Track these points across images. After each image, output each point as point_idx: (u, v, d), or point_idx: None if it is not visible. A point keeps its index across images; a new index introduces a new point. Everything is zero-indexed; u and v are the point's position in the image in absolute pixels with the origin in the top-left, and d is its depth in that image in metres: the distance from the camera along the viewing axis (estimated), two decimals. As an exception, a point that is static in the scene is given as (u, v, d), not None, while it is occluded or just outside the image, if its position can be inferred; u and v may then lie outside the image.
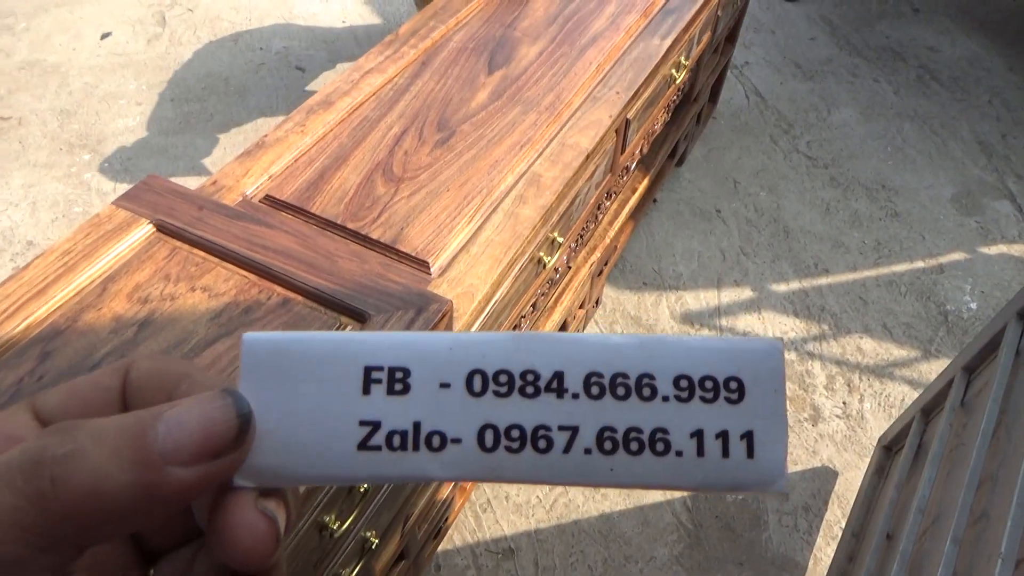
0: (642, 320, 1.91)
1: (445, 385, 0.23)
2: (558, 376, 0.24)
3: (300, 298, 0.92)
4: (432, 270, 1.06)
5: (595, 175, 1.36)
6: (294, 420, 0.23)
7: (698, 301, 1.96)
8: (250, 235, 0.99)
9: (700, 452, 0.23)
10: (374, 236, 1.09)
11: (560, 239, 1.26)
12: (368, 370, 0.23)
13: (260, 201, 1.14)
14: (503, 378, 0.23)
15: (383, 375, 0.23)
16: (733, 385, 0.24)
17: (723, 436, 0.24)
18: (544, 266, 1.24)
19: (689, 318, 1.92)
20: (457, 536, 1.52)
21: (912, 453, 1.37)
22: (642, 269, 2.03)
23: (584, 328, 1.84)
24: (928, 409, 1.41)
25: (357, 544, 0.96)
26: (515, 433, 0.23)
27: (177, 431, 0.20)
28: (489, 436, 0.23)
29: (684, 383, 0.24)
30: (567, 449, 0.23)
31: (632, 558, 1.51)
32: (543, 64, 1.42)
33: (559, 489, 1.59)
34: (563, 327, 1.64)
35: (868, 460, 1.65)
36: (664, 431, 0.23)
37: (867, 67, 2.75)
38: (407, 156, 1.22)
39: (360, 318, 0.90)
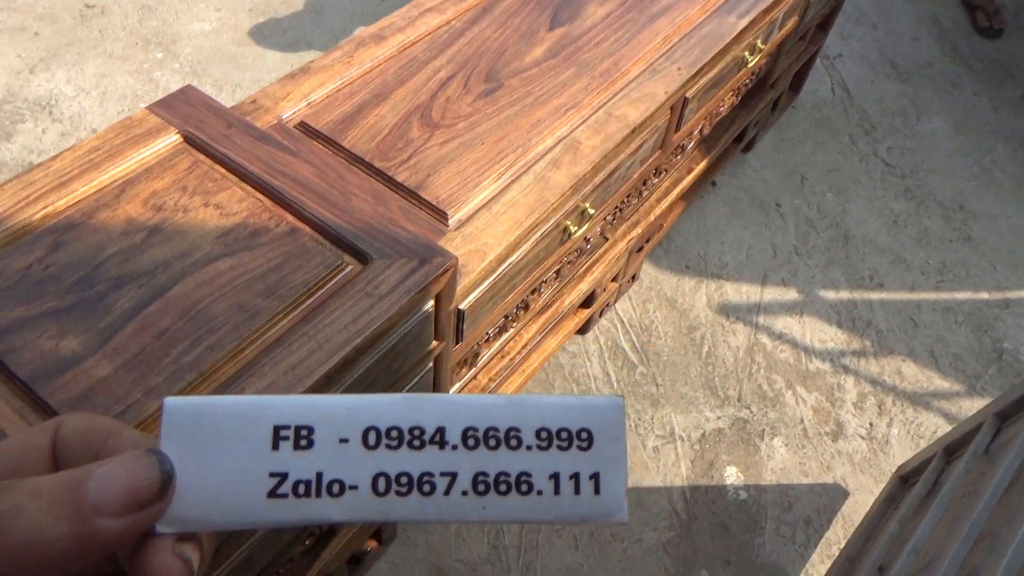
0: (677, 303, 1.86)
1: (344, 440, 0.27)
2: (440, 431, 0.28)
3: (308, 230, 0.92)
4: (450, 222, 1.04)
5: (641, 150, 1.31)
6: (210, 472, 0.26)
7: (739, 294, 1.90)
8: (273, 160, 0.98)
9: (556, 491, 0.28)
10: (399, 179, 1.08)
11: (592, 210, 1.22)
12: (277, 428, 0.27)
13: (294, 127, 1.14)
14: (394, 433, 0.27)
15: (290, 432, 0.27)
16: (584, 435, 0.28)
17: (575, 477, 0.28)
18: (570, 236, 1.21)
19: (726, 309, 1.86)
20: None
21: (925, 490, 1.31)
22: (687, 252, 1.97)
23: (615, 301, 1.81)
24: (952, 448, 1.34)
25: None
26: (404, 479, 0.27)
27: (106, 487, 0.23)
28: (381, 483, 0.27)
29: (544, 434, 0.28)
30: (447, 491, 0.27)
31: (618, 536, 1.50)
32: (607, 27, 1.36)
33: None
34: (591, 298, 1.61)
35: (882, 486, 1.59)
36: (527, 474, 0.28)
37: (969, 77, 2.57)
38: (448, 103, 1.19)
39: (362, 259, 0.89)
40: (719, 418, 1.67)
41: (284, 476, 0.26)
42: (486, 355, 1.33)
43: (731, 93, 1.65)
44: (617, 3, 1.42)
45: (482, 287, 1.05)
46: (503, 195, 1.09)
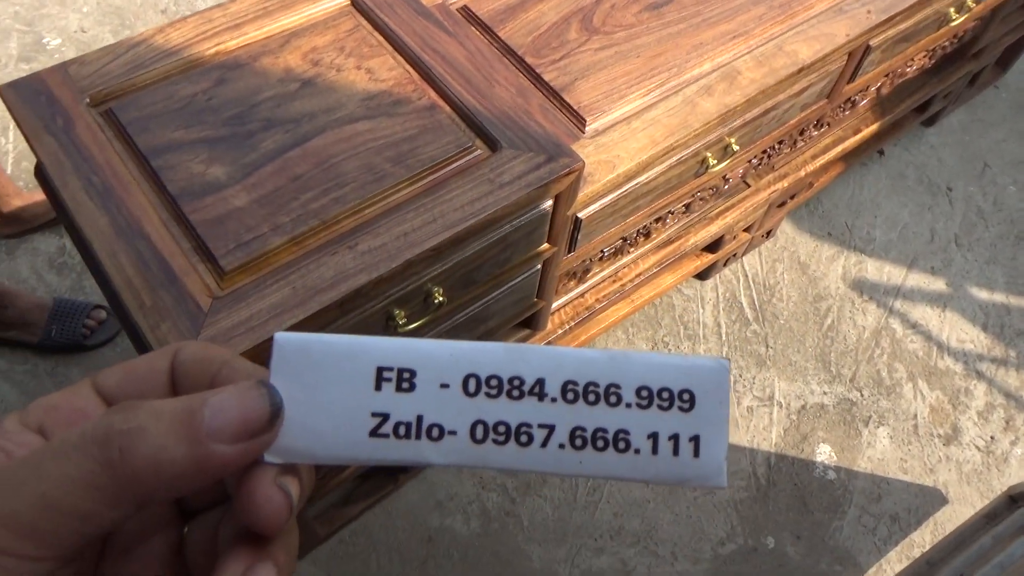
0: (809, 269, 1.77)
1: (445, 385, 0.27)
2: (540, 382, 0.28)
3: (447, 108, 0.94)
4: (586, 129, 1.03)
5: (805, 94, 1.23)
6: (316, 408, 0.27)
7: (879, 273, 1.78)
8: (429, 36, 1.00)
9: (655, 451, 0.28)
10: (546, 77, 1.07)
11: (736, 147, 1.17)
12: (380, 370, 0.27)
13: (457, 9, 1.14)
14: (494, 382, 0.28)
15: (393, 375, 0.27)
16: (686, 396, 0.28)
17: (674, 438, 0.28)
18: (707, 169, 1.17)
19: (860, 286, 1.75)
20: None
21: (1032, 514, 1.22)
22: (834, 218, 1.86)
23: (744, 253, 1.75)
24: (1076, 478, 1.22)
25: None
26: (501, 428, 0.27)
27: (220, 414, 0.24)
28: (480, 430, 0.27)
29: (645, 392, 0.28)
30: (544, 444, 0.27)
31: (691, 484, 1.49)
32: (801, -45, 1.26)
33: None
34: (718, 243, 1.56)
35: (987, 502, 1.49)
36: (626, 432, 0.28)
37: None
38: (613, 9, 1.16)
39: (492, 145, 0.90)
40: (825, 393, 1.60)
41: (386, 416, 0.27)
42: (598, 275, 1.32)
43: (923, 53, 1.50)
44: (817, -68, 1.31)
45: (604, 200, 1.04)
46: (646, 112, 1.06)
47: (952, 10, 1.37)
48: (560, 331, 1.33)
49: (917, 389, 1.62)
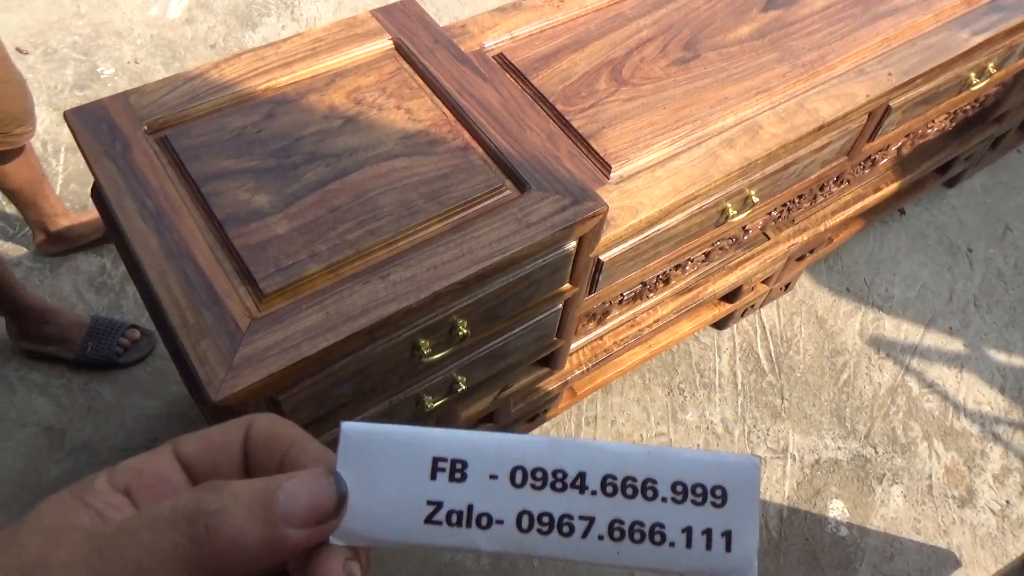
0: (827, 324, 1.78)
1: (493, 476, 0.29)
2: (581, 476, 0.29)
3: (480, 150, 0.98)
4: (612, 175, 1.08)
5: (825, 151, 1.27)
6: (377, 494, 0.29)
7: (897, 331, 1.79)
8: (466, 80, 1.06)
9: (688, 544, 0.29)
10: (575, 124, 1.12)
11: (756, 199, 1.21)
12: (435, 460, 0.29)
13: (493, 56, 1.21)
14: (539, 474, 0.29)
15: (446, 465, 0.29)
16: (718, 492, 0.29)
17: (707, 533, 0.29)
18: (727, 219, 1.21)
19: (877, 343, 1.76)
20: (554, 433, 1.59)
21: (1045, 578, 1.21)
22: (853, 274, 1.88)
23: (762, 305, 1.77)
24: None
25: (446, 380, 1.06)
26: (545, 519, 0.29)
27: (293, 500, 0.26)
28: (525, 520, 0.29)
29: (680, 488, 0.29)
30: (585, 534, 0.29)
31: (701, 531, 1.50)
32: (825, 19, 1.32)
33: (661, 433, 1.59)
34: (736, 293, 1.59)
35: (1001, 567, 1.47)
36: (661, 526, 0.29)
37: None
38: (642, 63, 1.21)
39: (521, 187, 0.95)
40: (839, 449, 1.61)
41: (439, 505, 0.29)
42: (617, 318, 1.36)
43: (944, 116, 1.54)
44: (842, -2, 1.36)
45: (626, 244, 1.08)
46: (670, 162, 1.10)
47: (973, 75, 1.41)
48: (578, 371, 1.36)
49: (932, 449, 1.62)
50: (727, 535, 0.29)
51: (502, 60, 1.20)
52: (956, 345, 1.78)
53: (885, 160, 1.56)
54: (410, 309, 0.84)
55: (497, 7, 1.27)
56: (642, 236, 1.09)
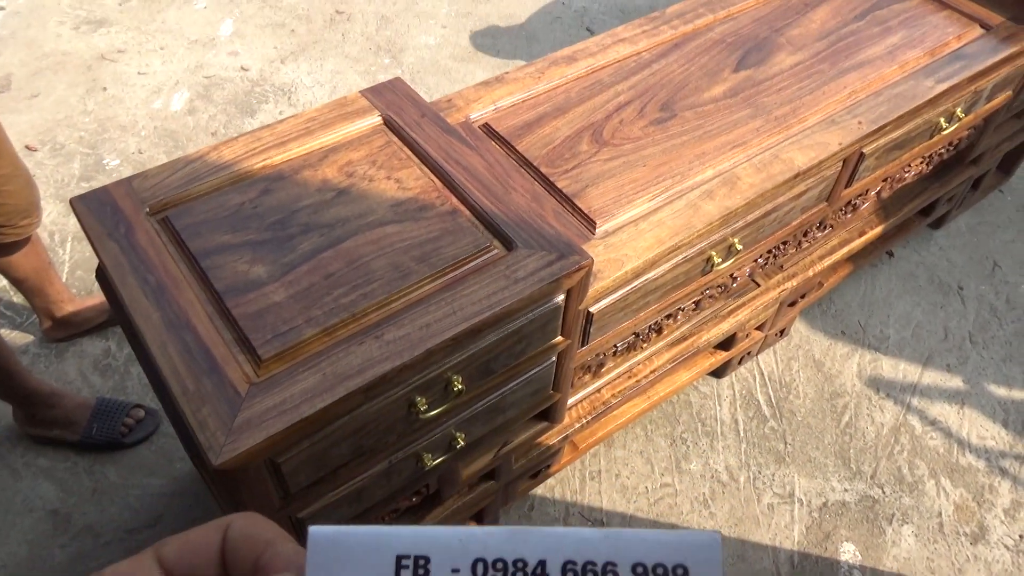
0: (824, 367, 1.80)
1: (456, 571, 0.30)
2: (542, 564, 0.30)
3: (467, 213, 1.03)
4: (597, 231, 1.12)
5: (804, 197, 1.31)
6: None
7: (895, 371, 1.80)
8: (452, 149, 1.11)
9: None
10: (559, 184, 1.17)
11: (740, 247, 1.24)
12: (399, 558, 0.30)
13: (479, 127, 1.26)
14: (500, 564, 0.30)
15: (410, 562, 0.30)
16: (680, 571, 0.29)
17: None
18: (713, 267, 1.24)
19: (876, 383, 1.77)
20: (558, 488, 1.59)
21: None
22: (846, 318, 1.90)
23: (758, 352, 1.79)
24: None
25: (444, 436, 1.07)
26: None
27: None
28: None
29: (640, 569, 0.29)
30: None
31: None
32: (794, 76, 1.38)
33: (666, 484, 1.59)
34: (731, 341, 1.61)
35: (1021, 606, 1.45)
36: None
37: None
38: (621, 124, 1.27)
39: (508, 245, 0.99)
40: (846, 491, 1.60)
41: None
42: (613, 370, 1.38)
43: (920, 160, 1.59)
44: (809, 54, 1.43)
45: (615, 296, 1.11)
46: (652, 215, 1.14)
47: (942, 120, 1.47)
48: (577, 425, 1.37)
49: (940, 486, 1.61)
50: None
51: (487, 129, 1.26)
52: (955, 382, 1.79)
53: (866, 204, 1.61)
54: (404, 366, 0.86)
55: (481, 81, 1.34)
56: (630, 287, 1.13)
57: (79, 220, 1.00)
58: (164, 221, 1.00)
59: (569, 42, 2.71)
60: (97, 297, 1.78)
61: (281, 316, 0.90)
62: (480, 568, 0.30)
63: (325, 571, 0.29)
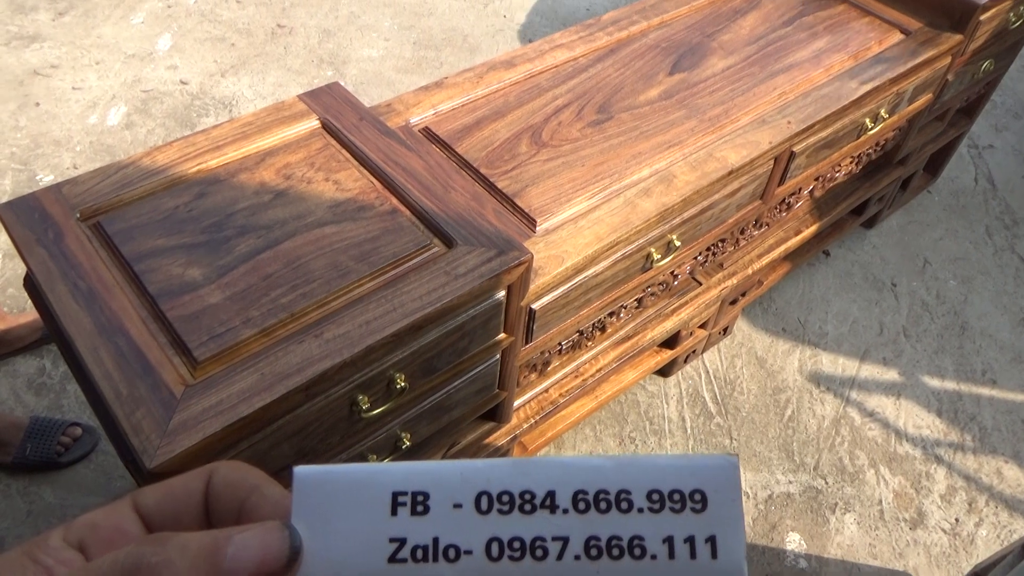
0: (767, 363, 1.84)
1: (458, 505, 0.28)
2: (550, 495, 0.28)
3: (407, 212, 1.03)
4: (537, 229, 1.13)
5: (739, 195, 1.35)
6: (336, 538, 0.28)
7: (834, 365, 1.85)
8: (391, 151, 1.11)
9: (671, 555, 0.27)
10: (499, 185, 1.18)
11: (678, 243, 1.27)
12: (395, 495, 0.28)
13: (419, 131, 1.27)
14: (505, 498, 0.28)
15: (407, 499, 0.28)
16: (697, 496, 0.28)
17: (690, 541, 0.28)
18: (652, 264, 1.26)
19: (817, 378, 1.82)
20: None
21: (996, 588, 1.24)
22: (786, 315, 1.95)
23: (703, 350, 1.82)
24: (1034, 550, 1.25)
25: (389, 437, 1.07)
26: (516, 544, 0.27)
27: (242, 553, 0.26)
28: (495, 547, 0.28)
29: (656, 496, 0.28)
30: (560, 556, 0.28)
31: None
32: (726, 78, 1.42)
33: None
34: (676, 337, 1.64)
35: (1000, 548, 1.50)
36: (640, 538, 0.28)
37: None
38: (560, 127, 1.29)
39: (448, 243, 0.99)
40: (790, 483, 1.63)
41: (403, 541, 0.27)
42: (559, 370, 1.39)
43: (849, 159, 1.65)
44: (740, 58, 1.48)
45: (556, 292, 1.13)
46: (591, 213, 1.16)
47: (868, 120, 1.53)
48: (525, 425, 1.38)
49: (880, 475, 1.66)
50: (711, 541, 0.27)
51: (427, 133, 1.26)
52: (891, 374, 1.85)
53: (801, 203, 1.66)
54: (344, 364, 0.86)
55: (421, 86, 1.35)
56: (571, 284, 1.14)
57: (6, 228, 0.97)
58: (96, 226, 0.98)
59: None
60: (30, 314, 1.72)
61: (218, 317, 0.89)
62: (484, 502, 0.28)
63: (313, 513, 0.28)
